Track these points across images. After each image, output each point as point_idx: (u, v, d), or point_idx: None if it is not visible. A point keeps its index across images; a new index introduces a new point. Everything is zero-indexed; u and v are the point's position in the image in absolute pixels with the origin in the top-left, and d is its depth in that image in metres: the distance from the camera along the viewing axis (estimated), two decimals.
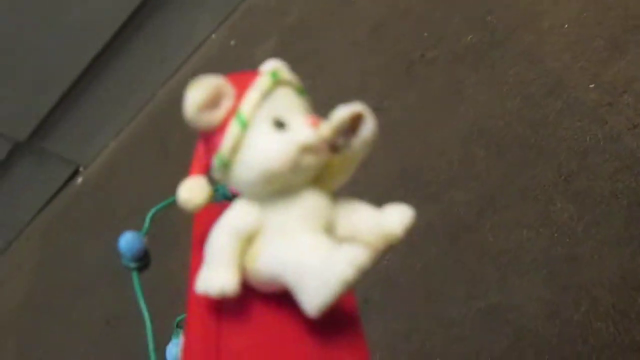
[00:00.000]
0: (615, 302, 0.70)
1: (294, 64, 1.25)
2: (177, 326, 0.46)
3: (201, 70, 1.80)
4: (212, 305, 0.30)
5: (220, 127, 0.31)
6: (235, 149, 0.30)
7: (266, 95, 0.31)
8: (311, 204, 0.31)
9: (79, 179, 2.04)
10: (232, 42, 1.79)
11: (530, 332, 0.74)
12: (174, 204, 0.39)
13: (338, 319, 0.31)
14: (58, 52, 1.74)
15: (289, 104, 0.32)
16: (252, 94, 0.31)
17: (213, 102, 0.30)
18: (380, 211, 0.32)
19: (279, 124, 0.30)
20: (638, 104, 0.81)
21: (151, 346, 0.39)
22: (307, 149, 0.29)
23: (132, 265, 0.41)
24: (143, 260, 0.41)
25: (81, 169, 2.06)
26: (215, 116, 0.31)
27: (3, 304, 1.84)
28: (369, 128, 0.30)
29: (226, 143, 0.30)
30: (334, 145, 0.30)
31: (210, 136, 0.31)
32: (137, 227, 0.42)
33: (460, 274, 0.84)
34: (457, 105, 1.01)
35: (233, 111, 0.31)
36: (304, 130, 0.30)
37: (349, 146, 0.30)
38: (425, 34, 1.18)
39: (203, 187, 0.32)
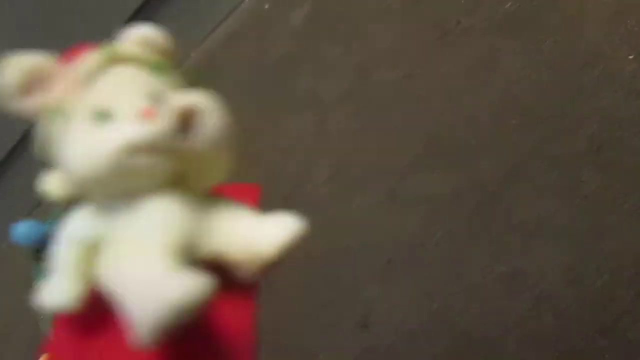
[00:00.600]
0: (638, 270, 0.71)
1: (328, 29, 1.27)
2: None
3: (235, 33, 1.81)
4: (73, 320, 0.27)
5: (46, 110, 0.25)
6: (50, 145, 0.25)
7: (91, 78, 0.25)
8: (160, 215, 0.25)
9: None
10: (266, 6, 1.79)
11: (550, 297, 0.75)
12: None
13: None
14: (97, 10, 1.76)
15: (129, 87, 0.25)
16: (70, 78, 0.25)
17: (32, 85, 0.25)
18: (259, 223, 0.26)
19: (102, 116, 0.24)
20: None
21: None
22: (136, 149, 0.23)
23: (32, 255, 0.37)
24: (44, 249, 0.35)
25: None
26: (36, 101, 0.25)
27: None
28: (208, 124, 0.25)
29: (39, 136, 0.25)
30: (160, 147, 0.24)
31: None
32: None
33: (484, 240, 0.85)
34: (491, 74, 1.00)
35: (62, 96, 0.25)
36: (131, 125, 0.23)
37: (191, 145, 0.25)
38: (463, 0, 1.16)
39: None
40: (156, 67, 0.27)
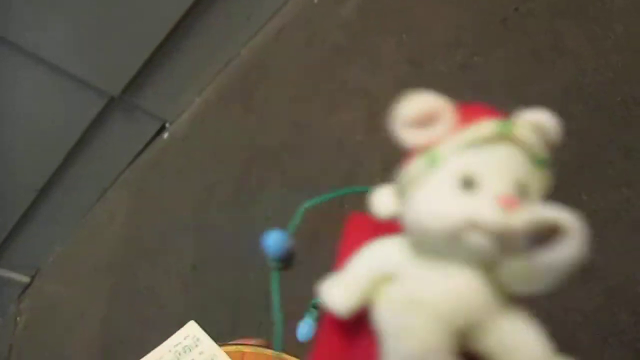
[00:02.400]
0: None
1: (382, 20, 1.24)
2: (312, 306, 0.46)
3: (285, 28, 1.81)
4: (341, 326, 0.28)
5: (421, 150, 0.27)
6: (412, 182, 0.26)
7: (477, 143, 0.25)
8: (454, 292, 0.25)
9: (166, 134, 2.13)
10: (315, 0, 1.79)
11: (625, 291, 0.72)
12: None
13: None
14: (149, 10, 1.80)
15: (505, 168, 0.25)
16: (459, 136, 0.26)
17: (423, 121, 0.26)
18: (542, 353, 0.24)
19: (468, 184, 0.24)
20: None
21: (279, 346, 0.37)
22: (478, 228, 0.23)
23: (275, 264, 0.37)
24: (287, 260, 0.37)
25: (167, 124, 2.14)
26: (418, 137, 0.26)
27: (99, 247, 1.98)
28: (569, 249, 0.23)
29: (407, 171, 0.26)
30: (505, 242, 0.24)
31: (412, 151, 0.27)
32: (224, 177, 0.43)
33: None
34: (554, 61, 0.97)
35: (437, 141, 0.26)
36: (487, 206, 0.24)
37: (531, 257, 0.23)
38: None
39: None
40: (538, 160, 0.26)
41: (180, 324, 0.54)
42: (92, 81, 1.88)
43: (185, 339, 0.56)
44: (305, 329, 0.42)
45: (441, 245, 0.25)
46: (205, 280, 1.49)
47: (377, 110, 1.22)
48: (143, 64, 1.92)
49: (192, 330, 0.56)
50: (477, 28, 1.15)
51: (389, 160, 1.13)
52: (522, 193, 0.25)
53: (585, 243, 0.23)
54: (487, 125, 0.25)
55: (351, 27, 1.46)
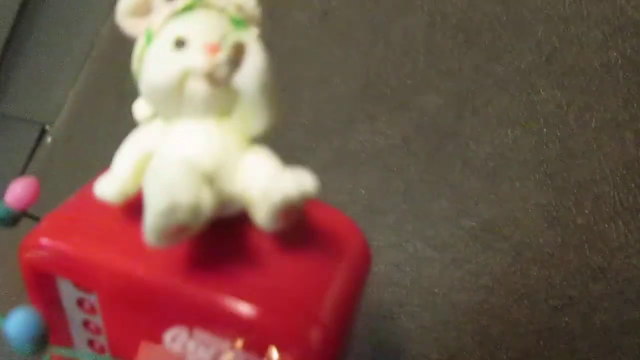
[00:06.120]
0: (622, 197, 0.61)
1: None
2: None
3: None
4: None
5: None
6: (140, 61, 0.30)
7: (180, 13, 0.30)
8: (197, 143, 0.29)
9: (49, 138, 1.95)
10: None
11: (530, 245, 0.66)
12: None
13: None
14: None
15: (207, 25, 0.29)
16: (166, 9, 0.30)
17: (141, 11, 0.30)
18: (278, 173, 0.28)
19: (179, 43, 0.29)
20: None
21: None
22: (193, 74, 0.28)
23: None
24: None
25: (47, 127, 1.95)
26: (138, 25, 0.30)
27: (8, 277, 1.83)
28: (252, 62, 0.28)
29: (134, 53, 0.31)
30: (215, 77, 0.28)
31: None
32: None
33: (446, 191, 0.74)
34: None
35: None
36: (196, 54, 0.28)
37: (233, 81, 0.28)
38: None
39: None
40: (235, 21, 0.30)
41: None
42: None
43: None
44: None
45: (173, 103, 0.29)
46: None
47: None
48: None
49: None
50: None
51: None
52: (224, 42, 0.29)
53: (262, 53, 0.27)
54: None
55: None
